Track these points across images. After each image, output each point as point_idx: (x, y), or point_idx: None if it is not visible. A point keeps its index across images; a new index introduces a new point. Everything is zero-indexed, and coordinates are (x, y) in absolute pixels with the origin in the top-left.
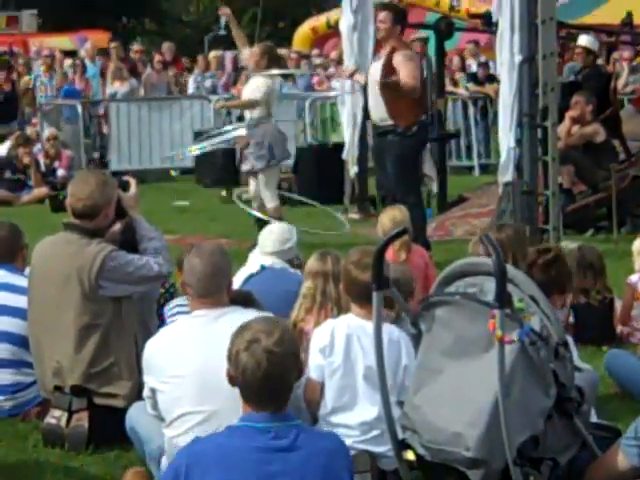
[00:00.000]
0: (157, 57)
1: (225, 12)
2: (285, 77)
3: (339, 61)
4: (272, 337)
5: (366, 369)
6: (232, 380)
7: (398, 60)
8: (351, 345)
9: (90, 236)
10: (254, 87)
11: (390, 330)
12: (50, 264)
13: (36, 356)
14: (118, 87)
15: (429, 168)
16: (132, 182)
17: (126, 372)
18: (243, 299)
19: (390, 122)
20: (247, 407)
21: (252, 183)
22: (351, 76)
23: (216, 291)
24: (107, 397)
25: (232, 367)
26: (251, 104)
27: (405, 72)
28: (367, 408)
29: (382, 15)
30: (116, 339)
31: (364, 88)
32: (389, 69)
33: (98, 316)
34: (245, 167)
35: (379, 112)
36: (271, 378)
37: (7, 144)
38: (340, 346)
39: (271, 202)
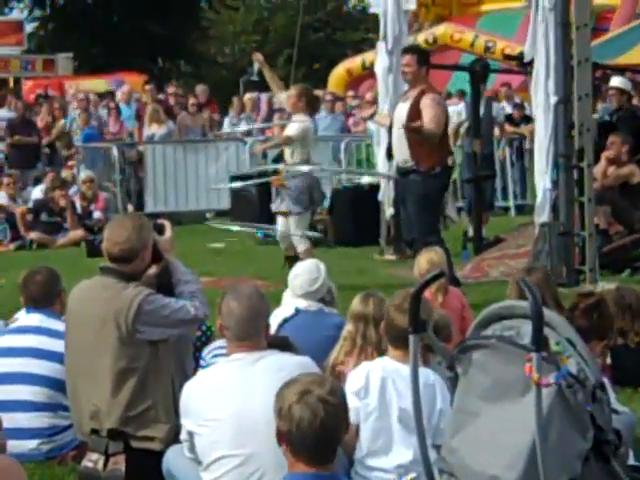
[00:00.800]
0: (191, 99)
1: (258, 58)
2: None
3: (375, 102)
4: (324, 387)
5: (401, 412)
6: (283, 437)
7: (425, 103)
8: (386, 388)
9: (127, 280)
10: (292, 126)
11: (425, 373)
12: (87, 308)
13: (73, 399)
14: (155, 129)
15: (451, 210)
16: (167, 225)
17: (163, 415)
18: (281, 344)
19: (412, 163)
20: (296, 464)
21: (281, 222)
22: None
23: (254, 334)
24: (144, 440)
25: (284, 422)
26: (286, 141)
27: (428, 117)
28: (403, 451)
29: (406, 59)
30: (153, 382)
31: (389, 128)
32: (416, 112)
33: (135, 360)
34: (280, 207)
35: (402, 153)
36: (327, 429)
37: (41, 186)
38: (375, 389)
39: (302, 244)
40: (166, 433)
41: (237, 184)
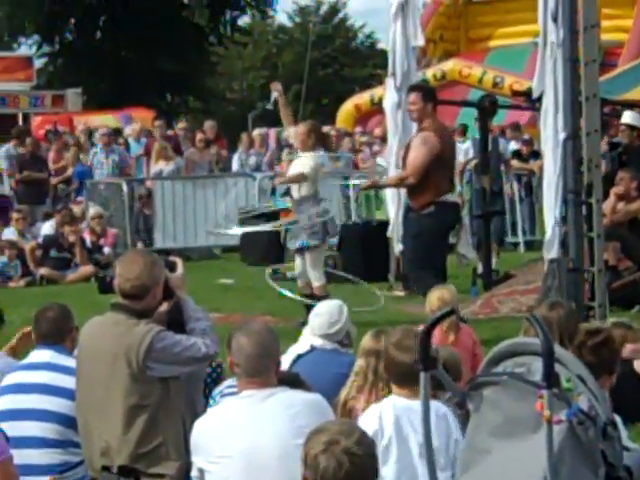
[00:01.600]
0: (199, 135)
1: (277, 87)
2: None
3: (383, 139)
4: (351, 438)
5: (421, 447)
6: None
7: (413, 144)
8: (401, 427)
9: (138, 317)
10: (303, 164)
11: (436, 406)
12: (98, 344)
13: (84, 435)
14: (163, 166)
15: (465, 247)
16: (178, 262)
17: (174, 452)
18: (291, 381)
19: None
20: None
21: (298, 261)
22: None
23: (264, 371)
24: (155, 478)
25: (309, 470)
26: (300, 179)
27: (411, 157)
28: None
29: (412, 97)
30: (164, 419)
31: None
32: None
33: (146, 397)
34: (294, 244)
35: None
36: None
37: (51, 222)
38: (390, 429)
39: (318, 281)
40: (177, 470)
41: (235, 231)
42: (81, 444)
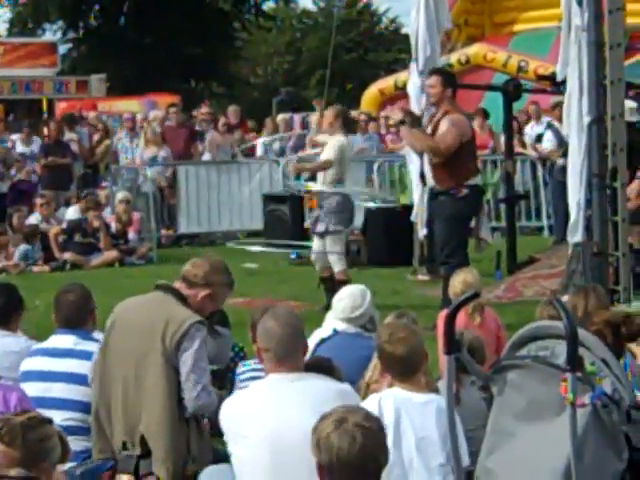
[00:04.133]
0: (222, 120)
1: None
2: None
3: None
4: (359, 413)
5: (418, 440)
6: (324, 470)
7: (443, 124)
8: (400, 418)
9: (183, 302)
10: (329, 148)
11: (437, 400)
12: (136, 318)
13: (105, 410)
14: (156, 152)
15: (485, 232)
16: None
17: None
18: (323, 366)
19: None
20: None
21: (317, 243)
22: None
23: (294, 353)
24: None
25: (323, 453)
26: (323, 165)
27: (440, 136)
28: (423, 479)
29: (432, 80)
30: (178, 412)
31: (421, 153)
32: (435, 133)
33: (172, 383)
34: (317, 228)
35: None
36: (367, 454)
37: (74, 207)
38: (390, 420)
39: (339, 265)
40: (169, 473)
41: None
42: (99, 418)
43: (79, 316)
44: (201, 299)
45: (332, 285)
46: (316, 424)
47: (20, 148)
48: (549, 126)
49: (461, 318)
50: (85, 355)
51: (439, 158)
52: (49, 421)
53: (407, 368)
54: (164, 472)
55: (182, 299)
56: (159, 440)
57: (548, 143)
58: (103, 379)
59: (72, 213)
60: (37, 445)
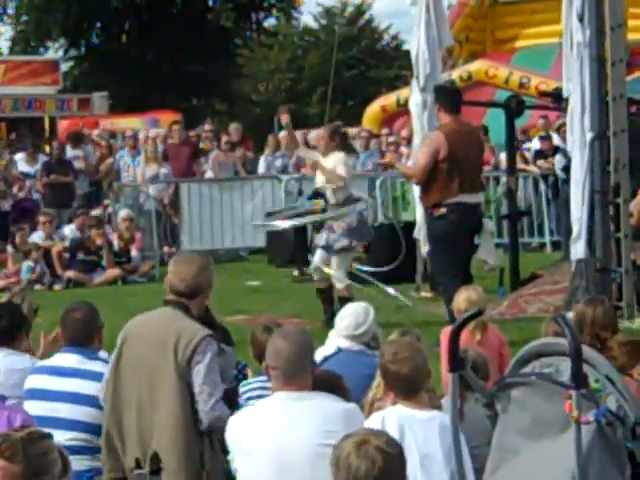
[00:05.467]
0: (224, 138)
1: (284, 117)
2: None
3: (409, 140)
4: (381, 438)
5: (422, 457)
6: None
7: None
8: (404, 435)
9: (192, 316)
10: (338, 163)
11: (440, 417)
12: (148, 333)
13: (117, 429)
14: (157, 169)
15: (487, 253)
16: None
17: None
18: (330, 382)
19: None
20: None
21: (318, 255)
22: None
23: (303, 372)
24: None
25: (342, 472)
26: (341, 180)
27: (417, 156)
28: None
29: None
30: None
31: None
32: None
33: (186, 397)
34: (340, 244)
35: None
36: (385, 478)
37: (71, 226)
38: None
39: (342, 282)
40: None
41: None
42: (110, 437)
43: (86, 334)
44: (200, 305)
45: (330, 297)
46: (338, 443)
47: (24, 168)
48: (557, 149)
49: (463, 335)
50: (90, 375)
51: (416, 180)
52: (49, 436)
53: (411, 387)
54: None
55: (190, 313)
56: (173, 455)
57: (559, 165)
58: (116, 396)
59: (69, 231)
60: (38, 460)
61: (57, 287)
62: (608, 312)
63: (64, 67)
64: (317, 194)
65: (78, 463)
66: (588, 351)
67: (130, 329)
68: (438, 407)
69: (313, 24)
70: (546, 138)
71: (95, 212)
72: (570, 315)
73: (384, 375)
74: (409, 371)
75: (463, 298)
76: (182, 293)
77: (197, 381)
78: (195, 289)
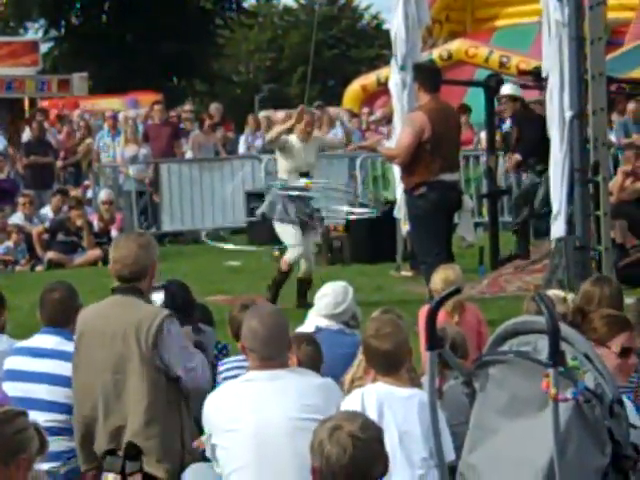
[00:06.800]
0: (207, 120)
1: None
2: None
3: (388, 119)
4: (355, 423)
5: (401, 435)
6: (316, 473)
7: (402, 122)
8: (383, 412)
9: (144, 298)
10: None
11: (420, 394)
12: (104, 327)
13: (84, 422)
14: (135, 150)
15: (465, 230)
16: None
17: (175, 446)
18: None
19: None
20: None
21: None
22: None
23: (279, 352)
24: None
25: (316, 457)
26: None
27: (398, 137)
28: (403, 474)
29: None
30: (168, 413)
31: None
32: None
33: (155, 385)
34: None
35: None
36: (358, 465)
37: (47, 207)
38: (372, 415)
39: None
40: (167, 473)
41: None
42: (79, 430)
43: (64, 315)
44: (149, 284)
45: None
46: (317, 427)
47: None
48: None
49: (441, 316)
50: (69, 356)
51: (399, 160)
52: (24, 413)
53: (391, 363)
54: (163, 473)
55: (142, 294)
56: (152, 442)
57: None
58: (80, 392)
59: (48, 211)
60: (13, 438)
61: (39, 268)
62: (616, 292)
63: (44, 48)
64: (307, 173)
65: (56, 444)
66: (566, 329)
67: (84, 323)
68: (419, 386)
69: (293, 4)
70: None
71: (75, 193)
72: (551, 293)
73: (365, 351)
74: (390, 347)
75: (440, 278)
76: (128, 278)
77: (171, 357)
78: (140, 272)
